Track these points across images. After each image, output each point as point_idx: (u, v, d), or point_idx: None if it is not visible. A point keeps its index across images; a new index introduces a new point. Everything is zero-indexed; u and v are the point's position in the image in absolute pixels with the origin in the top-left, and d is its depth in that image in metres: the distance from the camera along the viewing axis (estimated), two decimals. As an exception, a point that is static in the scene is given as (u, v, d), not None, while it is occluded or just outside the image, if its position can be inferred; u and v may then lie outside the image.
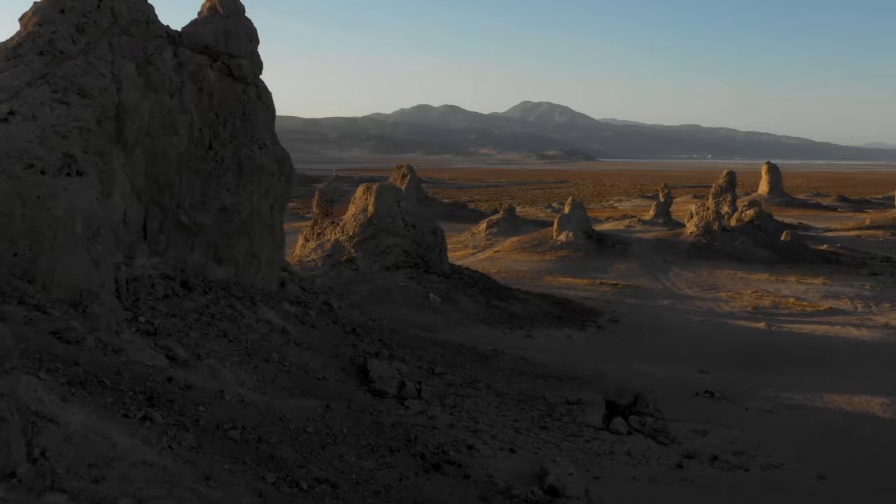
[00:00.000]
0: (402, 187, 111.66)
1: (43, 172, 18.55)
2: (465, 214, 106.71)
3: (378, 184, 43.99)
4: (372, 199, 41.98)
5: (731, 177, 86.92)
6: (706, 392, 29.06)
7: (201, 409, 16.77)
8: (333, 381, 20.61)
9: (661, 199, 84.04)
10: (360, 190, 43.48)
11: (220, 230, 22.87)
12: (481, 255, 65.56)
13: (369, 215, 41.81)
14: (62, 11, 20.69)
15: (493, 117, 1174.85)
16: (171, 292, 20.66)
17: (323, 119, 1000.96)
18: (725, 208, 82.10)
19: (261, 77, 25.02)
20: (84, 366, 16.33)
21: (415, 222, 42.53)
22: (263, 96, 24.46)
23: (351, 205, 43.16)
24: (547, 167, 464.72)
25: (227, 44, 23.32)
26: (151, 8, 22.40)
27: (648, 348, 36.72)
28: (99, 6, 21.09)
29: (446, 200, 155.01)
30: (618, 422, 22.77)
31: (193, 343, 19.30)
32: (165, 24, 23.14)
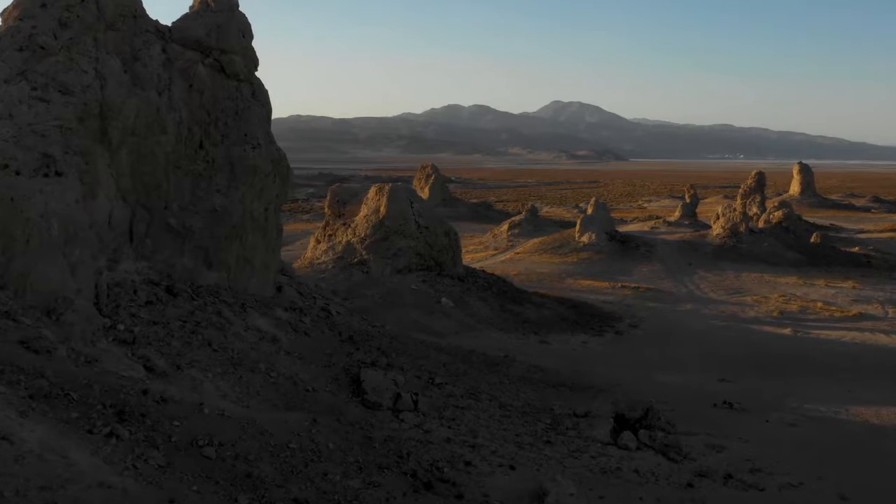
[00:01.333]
0: (427, 187, 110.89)
1: (18, 173, 17.70)
2: (490, 215, 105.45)
3: (390, 184, 42.98)
4: (384, 200, 40.96)
5: (760, 177, 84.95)
6: (725, 403, 27.75)
7: (176, 423, 15.80)
8: (324, 393, 19.60)
9: (688, 200, 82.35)
10: (372, 190, 42.48)
11: (210, 233, 21.94)
12: (502, 257, 64.39)
13: (381, 217, 40.80)
14: (44, 6, 19.83)
15: (524, 117, 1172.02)
16: (155, 298, 19.74)
17: (353, 119, 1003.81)
18: (754, 209, 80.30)
19: (256, 74, 24.06)
20: (50, 378, 15.41)
21: (428, 224, 41.46)
22: (258, 94, 23.50)
23: (363, 206, 42.17)
24: (577, 167, 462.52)
25: (218, 39, 22.37)
26: (139, 2, 21.51)
27: (667, 355, 35.42)
28: (83, 0, 20.21)
29: (476, 200, 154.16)
30: (626, 436, 21.55)
31: (174, 352, 18.36)
32: (154, 18, 22.24)
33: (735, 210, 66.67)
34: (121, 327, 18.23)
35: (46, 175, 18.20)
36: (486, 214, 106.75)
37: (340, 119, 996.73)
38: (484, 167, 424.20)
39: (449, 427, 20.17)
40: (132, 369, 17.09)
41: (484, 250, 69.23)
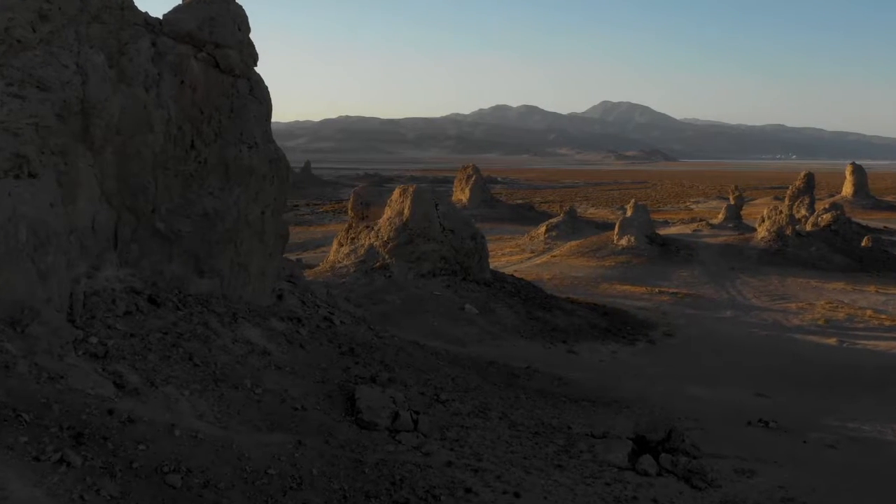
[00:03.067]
0: (468, 188, 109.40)
1: (-16, 175, 16.54)
2: (531, 216, 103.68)
3: (415, 186, 41.53)
4: (408, 203, 39.53)
5: (810, 178, 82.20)
6: (760, 421, 25.85)
7: (141, 447, 14.46)
8: (314, 412, 18.13)
9: (732, 202, 79.74)
10: (396, 192, 41.05)
11: (201, 238, 20.62)
12: (537, 260, 62.66)
13: (405, 219, 39.36)
14: (22, -4, 18.64)
15: (572, 117, 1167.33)
16: (135, 308, 18.45)
17: (401, 119, 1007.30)
18: (802, 212, 77.68)
19: (255, 69, 22.72)
20: (3, 397, 14.20)
21: (453, 227, 39.94)
22: (257, 91, 22.15)
23: (386, 208, 40.79)
24: (626, 168, 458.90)
25: (211, 32, 21.05)
26: (127, -8, 20.27)
27: (702, 366, 33.52)
28: (65, -10, 19.00)
29: (520, 201, 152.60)
30: (646, 461, 19.78)
31: (150, 367, 17.03)
32: (144, 10, 20.98)
33: (781, 212, 64.21)
34: (93, 340, 16.94)
35: (18, 176, 16.98)
36: (527, 215, 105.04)
37: (388, 119, 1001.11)
38: (531, 168, 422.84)
39: (451, 449, 18.60)
40: (101, 386, 15.78)
41: (520, 253, 67.53)
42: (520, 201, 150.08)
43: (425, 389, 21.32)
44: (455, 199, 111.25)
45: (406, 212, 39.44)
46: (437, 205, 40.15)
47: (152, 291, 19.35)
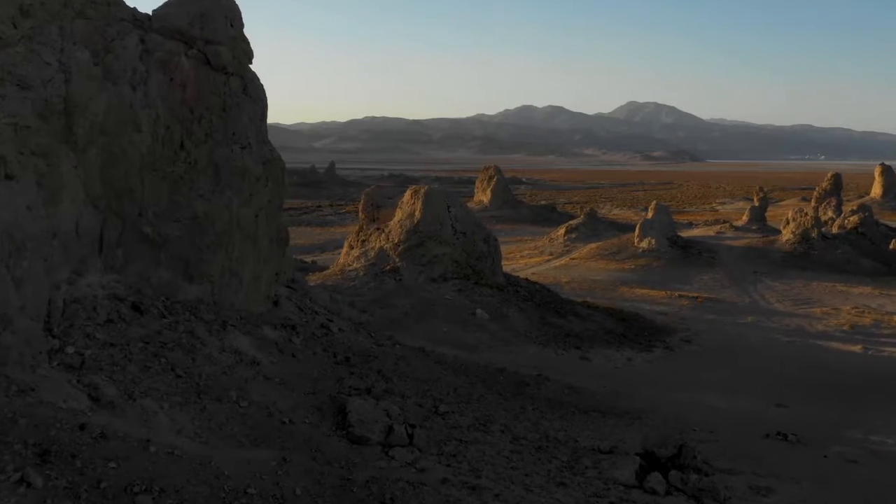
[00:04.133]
0: (489, 189, 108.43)
1: (-44, 177, 15.82)
2: (553, 217, 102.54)
3: (426, 187, 40.59)
4: (419, 205, 38.62)
5: (837, 179, 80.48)
6: (778, 434, 24.72)
7: (112, 465, 13.61)
8: (302, 426, 17.25)
9: (756, 203, 78.19)
10: (407, 194, 40.15)
11: (190, 242, 19.82)
12: (556, 263, 61.57)
13: (416, 222, 38.46)
14: (3, -9, 17.93)
15: (598, 118, 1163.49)
16: (117, 316, 17.66)
17: (427, 120, 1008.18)
18: (829, 213, 76.04)
19: (251, 67, 21.90)
20: (-36, 412, 13.46)
21: (465, 229, 39.00)
22: (251, 89, 21.33)
23: (397, 210, 39.91)
24: (652, 168, 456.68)
25: (202, 28, 20.25)
26: (114, -13, 19.53)
27: (720, 374, 32.37)
28: (48, -15, 18.28)
29: (543, 202, 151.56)
30: (654, 479, 18.74)
31: (129, 379, 16.22)
32: (133, 6, 20.24)
33: (806, 214, 62.72)
34: (70, 350, 16.17)
35: (-7, 178, 16.26)
36: (549, 217, 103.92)
37: (414, 120, 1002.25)
38: (557, 168, 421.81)
39: (448, 465, 17.65)
40: (74, 399, 14.99)
41: (539, 255, 66.45)
42: (543, 202, 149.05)
43: (424, 401, 20.40)
44: (476, 199, 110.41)
45: (417, 214, 38.56)
46: (449, 207, 39.21)
47: (136, 298, 18.56)
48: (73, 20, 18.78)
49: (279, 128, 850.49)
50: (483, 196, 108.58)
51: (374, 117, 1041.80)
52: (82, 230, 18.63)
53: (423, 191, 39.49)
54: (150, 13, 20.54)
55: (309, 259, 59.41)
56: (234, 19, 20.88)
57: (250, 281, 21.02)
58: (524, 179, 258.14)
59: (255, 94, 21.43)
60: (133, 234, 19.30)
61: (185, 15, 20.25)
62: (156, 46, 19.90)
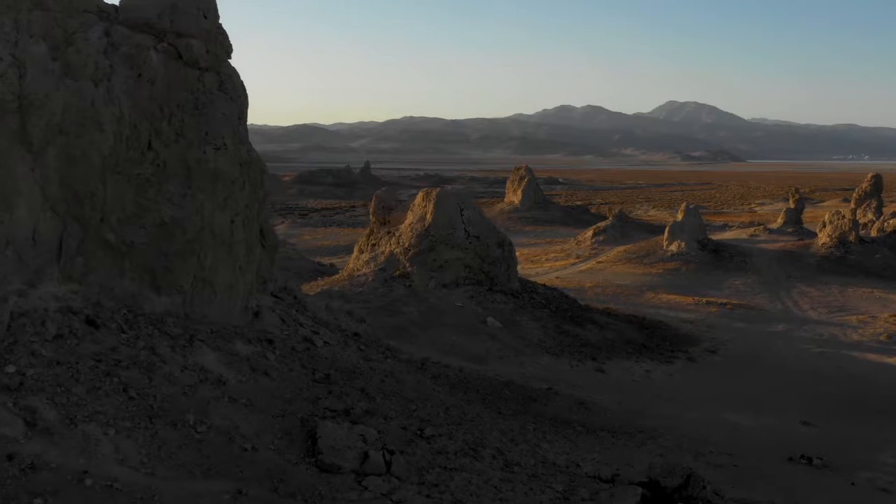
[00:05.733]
0: (520, 189, 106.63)
1: None
2: (584, 219, 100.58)
3: (438, 189, 39.00)
4: (430, 207, 37.04)
5: (877, 180, 77.62)
6: (802, 457, 22.84)
7: (37, 502, 12.25)
8: (266, 453, 15.72)
9: (792, 205, 75.57)
10: (419, 196, 38.57)
11: (158, 250, 18.42)
12: (582, 266, 59.68)
13: (427, 225, 36.87)
14: (-48, -20, 16.68)
15: (638, 118, 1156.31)
16: (68, 331, 16.28)
17: (465, 120, 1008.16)
18: (869, 216, 73.36)
19: (229, 62, 20.47)
20: None
21: (479, 233, 37.34)
22: (227, 85, 19.88)
23: (409, 212, 38.37)
24: (691, 168, 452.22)
25: (173, 20, 18.84)
26: (76, -25, 18.15)
27: (745, 389, 30.46)
28: (3, -27, 16.98)
29: (578, 202, 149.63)
30: (657, 512, 17.04)
31: (73, 401, 14.80)
32: (99, -4, 18.88)
33: (844, 217, 60.23)
34: (10, 369, 14.80)
35: (-67, 182, 14.97)
36: (581, 218, 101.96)
37: (452, 120, 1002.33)
38: (596, 168, 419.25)
39: (428, 496, 16.02)
40: (7, 425, 13.60)
41: (565, 258, 64.57)
42: (578, 203, 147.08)
43: (409, 423, 18.79)
44: (507, 200, 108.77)
45: (428, 217, 36.99)
46: (462, 209, 37.59)
47: (93, 311, 17.17)
48: (29, 11, 17.46)
49: (317, 128, 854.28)
50: (513, 197, 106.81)
51: (412, 117, 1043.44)
52: (40, 237, 17.30)
53: (434, 193, 37.89)
54: (116, 4, 19.16)
55: (328, 262, 58.11)
56: (208, 10, 19.46)
57: (225, 291, 19.58)
58: (561, 179, 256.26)
59: (232, 92, 19.98)
60: (95, 242, 17.93)
61: (155, 6, 18.85)
62: (122, 40, 18.52)
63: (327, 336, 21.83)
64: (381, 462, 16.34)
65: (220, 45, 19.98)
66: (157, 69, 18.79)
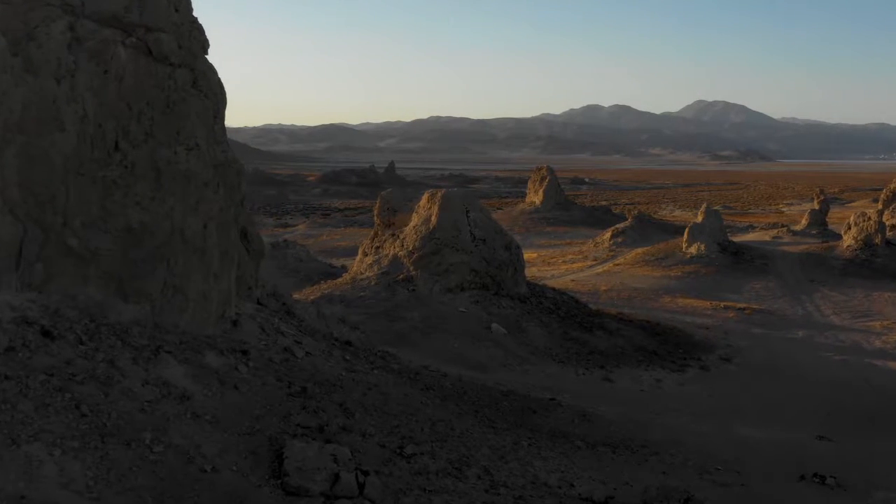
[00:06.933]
0: (541, 190, 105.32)
1: None
2: (607, 219, 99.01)
3: (443, 191, 37.88)
4: (435, 209, 35.95)
5: (905, 181, 75.54)
6: (815, 476, 21.50)
7: (-34, 530, 11.21)
8: (228, 474, 14.67)
9: (816, 206, 73.69)
10: (424, 198, 37.53)
11: (125, 256, 17.47)
12: (599, 269, 58.34)
13: (432, 227, 35.80)
14: None
15: (666, 117, 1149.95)
16: (21, 343, 15.32)
17: (492, 120, 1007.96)
18: (897, 218, 71.36)
19: (205, 57, 19.48)
20: None
21: (485, 236, 36.22)
22: (202, 82, 18.89)
23: (413, 214, 37.30)
24: (720, 168, 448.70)
25: (141, 13, 17.87)
26: (39, -32, 17.23)
27: (758, 400, 29.12)
28: (-42, -35, 16.12)
29: (604, 203, 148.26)
30: (650, 540, 15.87)
31: (19, 419, 13.82)
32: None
33: (870, 219, 58.46)
34: (-48, 385, 13.88)
35: None
36: (603, 219, 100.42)
37: (479, 120, 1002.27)
38: (622, 168, 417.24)
39: (402, 521, 14.99)
40: (-59, 446, 12.68)
41: (582, 260, 63.26)
42: (603, 203, 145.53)
43: (389, 440, 17.69)
44: (528, 200, 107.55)
45: (433, 219, 35.92)
46: (468, 211, 36.48)
47: (51, 321, 16.21)
48: (-12, 4, 16.60)
49: (344, 128, 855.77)
50: (535, 197, 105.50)
51: (438, 117, 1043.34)
52: (-1, 243, 16.41)
53: (439, 194, 36.80)
54: (83, -3, 18.20)
55: (341, 264, 57.17)
56: (180, 3, 18.48)
57: (197, 300, 18.58)
58: (587, 179, 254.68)
59: (206, 89, 18.99)
60: (56, 247, 16.99)
61: (123, -1, 17.89)
62: (88, 34, 17.57)
63: (311, 346, 20.80)
64: (354, 484, 15.27)
65: (195, 39, 19.00)
66: (126, 65, 17.84)
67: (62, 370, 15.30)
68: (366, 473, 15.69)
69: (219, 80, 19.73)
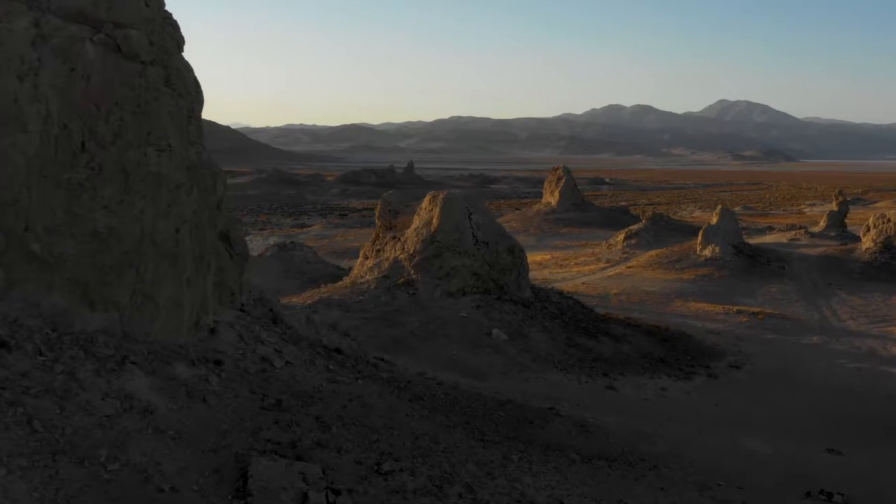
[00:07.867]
0: (557, 190, 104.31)
1: None
2: (625, 220, 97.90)
3: (445, 192, 36.99)
4: (437, 211, 35.07)
5: (928, 181, 73.84)
6: (822, 493, 20.49)
7: None
8: (187, 494, 13.85)
9: (835, 208, 72.21)
10: (426, 199, 36.64)
11: (91, 262, 16.72)
12: (611, 272, 57.26)
13: (433, 230, 34.92)
14: None
15: (688, 117, 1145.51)
16: (-26, 355, 14.60)
17: (513, 120, 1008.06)
18: (919, 219, 69.70)
19: (181, 55, 18.71)
20: None
21: (488, 239, 35.30)
22: (175, 81, 18.11)
23: (415, 216, 36.43)
24: (742, 168, 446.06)
25: (109, 8, 17.13)
26: (1, -38, 16.52)
27: (767, 410, 28.07)
28: (-85, -42, 15.43)
29: (623, 203, 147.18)
30: (638, 566, 14.93)
31: (-35, 436, 13.12)
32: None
33: (889, 221, 57.07)
34: None
35: None
36: (620, 220, 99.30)
37: (500, 120, 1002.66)
38: (644, 168, 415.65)
39: (375, 545, 14.14)
40: None
41: (595, 262, 62.17)
42: (622, 204, 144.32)
43: (366, 456, 16.82)
44: (544, 201, 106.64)
45: (435, 221, 35.04)
46: (470, 213, 35.58)
47: (9, 331, 15.47)
48: (-54, -1, 15.91)
49: (365, 128, 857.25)
50: (550, 198, 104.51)
51: (459, 117, 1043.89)
52: (-44, 249, 15.71)
53: (441, 196, 35.91)
54: (50, -8, 17.47)
55: (348, 266, 56.43)
56: (151, -2, 17.71)
57: (169, 307, 17.80)
58: (607, 180, 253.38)
59: (180, 88, 18.21)
60: (18, 253, 16.26)
61: (89, -7, 17.15)
62: (53, 31, 16.83)
63: (293, 355, 19.98)
64: (324, 505, 14.45)
65: (168, 36, 18.23)
66: (93, 63, 17.08)
67: (16, 383, 14.54)
68: (337, 493, 14.84)
69: (195, 78, 18.96)
